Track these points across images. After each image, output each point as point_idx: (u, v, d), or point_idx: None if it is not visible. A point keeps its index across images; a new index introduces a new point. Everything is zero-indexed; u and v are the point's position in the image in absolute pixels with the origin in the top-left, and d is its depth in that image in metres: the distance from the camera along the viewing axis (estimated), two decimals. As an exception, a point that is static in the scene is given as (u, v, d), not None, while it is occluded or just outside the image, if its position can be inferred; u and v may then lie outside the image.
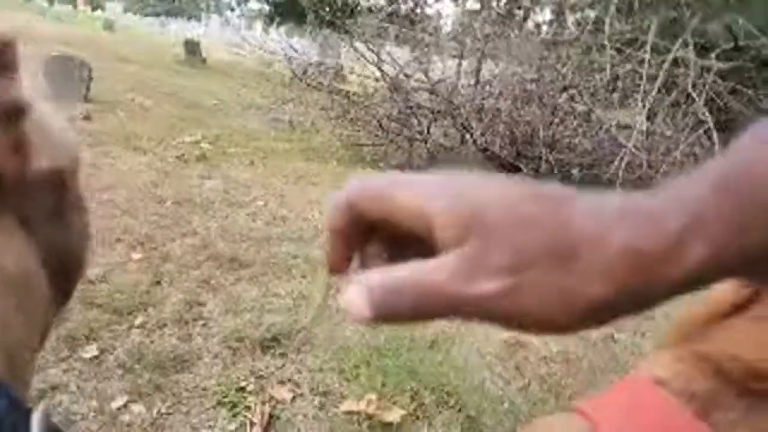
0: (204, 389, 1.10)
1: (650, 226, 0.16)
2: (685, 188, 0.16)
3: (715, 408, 0.24)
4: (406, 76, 3.51)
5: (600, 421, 0.27)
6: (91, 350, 1.16)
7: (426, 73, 3.43)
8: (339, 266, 0.20)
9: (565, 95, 3.12)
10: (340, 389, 1.16)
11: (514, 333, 1.50)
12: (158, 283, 1.48)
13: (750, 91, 3.07)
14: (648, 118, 2.87)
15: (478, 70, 3.57)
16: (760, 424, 0.23)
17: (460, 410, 1.15)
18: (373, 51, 3.60)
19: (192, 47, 7.32)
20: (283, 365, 1.21)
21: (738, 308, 0.34)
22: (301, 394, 1.14)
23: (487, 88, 3.36)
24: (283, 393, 1.13)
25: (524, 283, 0.16)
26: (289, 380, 1.16)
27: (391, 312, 0.16)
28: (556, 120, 3.11)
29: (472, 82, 3.53)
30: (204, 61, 7.27)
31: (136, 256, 1.60)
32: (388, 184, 0.18)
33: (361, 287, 0.17)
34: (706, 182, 0.16)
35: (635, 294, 0.16)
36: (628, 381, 0.27)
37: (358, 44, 3.72)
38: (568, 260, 0.16)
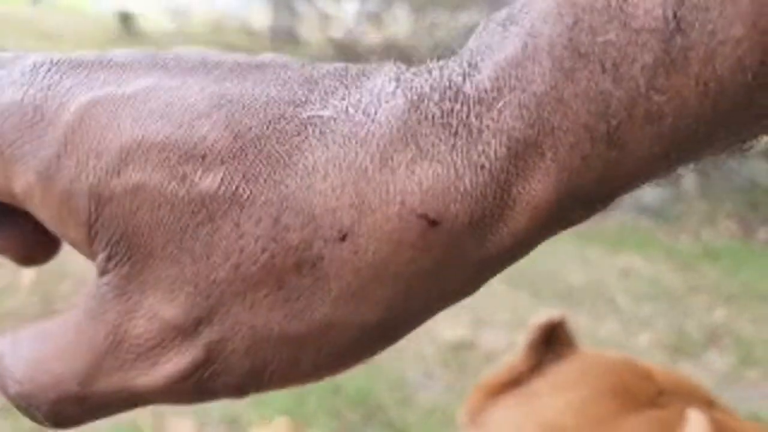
0: (95, 427, 1.07)
1: (455, 162, 0.10)
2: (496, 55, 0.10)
3: None
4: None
5: None
6: (-36, 394, 1.12)
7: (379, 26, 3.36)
8: None
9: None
10: (251, 415, 1.14)
11: (459, 335, 1.50)
12: (52, 305, 1.44)
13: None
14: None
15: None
16: None
17: (388, 426, 1.14)
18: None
19: (126, 19, 7.10)
20: (190, 392, 1.18)
21: (517, 382, 0.39)
22: (207, 424, 1.11)
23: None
24: (186, 426, 1.10)
25: (233, 334, 0.10)
26: (195, 410, 1.14)
27: (34, 419, 0.11)
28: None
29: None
30: (140, 34, 7.06)
31: (27, 275, 1.55)
32: None
33: None
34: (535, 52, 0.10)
35: (430, 298, 0.11)
36: None
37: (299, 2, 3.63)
38: (308, 268, 0.10)
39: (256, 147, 0.10)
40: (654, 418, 0.36)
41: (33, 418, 0.11)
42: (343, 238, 0.10)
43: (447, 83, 0.10)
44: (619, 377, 0.38)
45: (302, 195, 0.10)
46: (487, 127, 0.10)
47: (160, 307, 0.10)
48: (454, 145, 0.10)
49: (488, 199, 0.10)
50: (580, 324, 1.42)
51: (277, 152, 0.10)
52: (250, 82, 0.10)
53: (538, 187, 0.10)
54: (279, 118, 0.10)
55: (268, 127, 0.10)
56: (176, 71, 0.10)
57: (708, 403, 0.38)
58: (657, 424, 0.35)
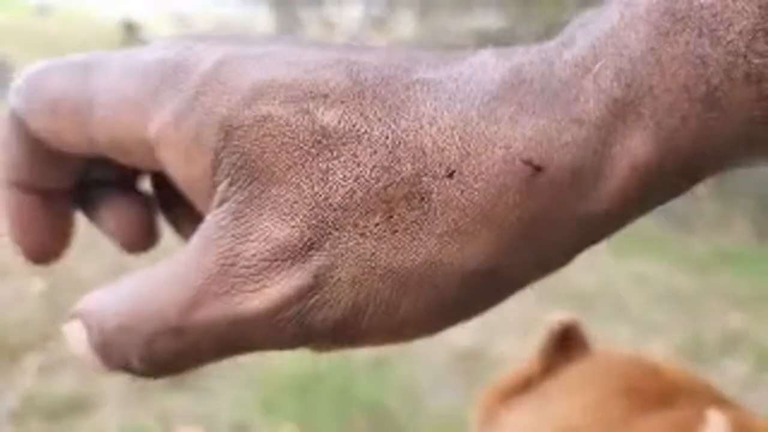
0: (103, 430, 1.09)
1: (556, 117, 0.10)
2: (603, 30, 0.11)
3: None
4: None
5: None
6: (-25, 401, 1.14)
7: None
8: (32, 244, 0.14)
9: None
10: (259, 422, 1.14)
11: (470, 341, 1.50)
12: (61, 314, 1.45)
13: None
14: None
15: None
16: None
17: (398, 434, 1.14)
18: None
19: (130, 27, 7.19)
20: (198, 400, 1.19)
21: (529, 384, 0.40)
22: (216, 431, 1.12)
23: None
24: (195, 433, 1.10)
25: (342, 262, 0.10)
26: (203, 417, 1.14)
27: (128, 365, 0.12)
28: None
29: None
30: (144, 41, 7.13)
31: (38, 285, 1.56)
32: (81, 78, 0.12)
33: (78, 319, 0.12)
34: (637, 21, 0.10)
35: (532, 254, 0.11)
36: None
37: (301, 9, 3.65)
38: (417, 200, 0.10)
39: (372, 93, 0.11)
40: (669, 418, 0.36)
41: (126, 367, 0.12)
42: (451, 176, 0.10)
43: (545, 55, 0.11)
44: (630, 377, 0.38)
45: (413, 134, 0.10)
46: (585, 88, 0.10)
47: (274, 228, 0.10)
48: (553, 103, 0.10)
49: (589, 152, 0.10)
50: (591, 329, 1.42)
51: (391, 100, 0.11)
52: (363, 55, 0.11)
53: (637, 145, 0.10)
54: (391, 77, 0.11)
55: (382, 81, 0.11)
56: (292, 46, 0.12)
57: (719, 401, 0.38)
58: (673, 424, 0.35)
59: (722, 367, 1.48)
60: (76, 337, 0.12)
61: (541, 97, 0.10)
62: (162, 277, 0.11)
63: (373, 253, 0.10)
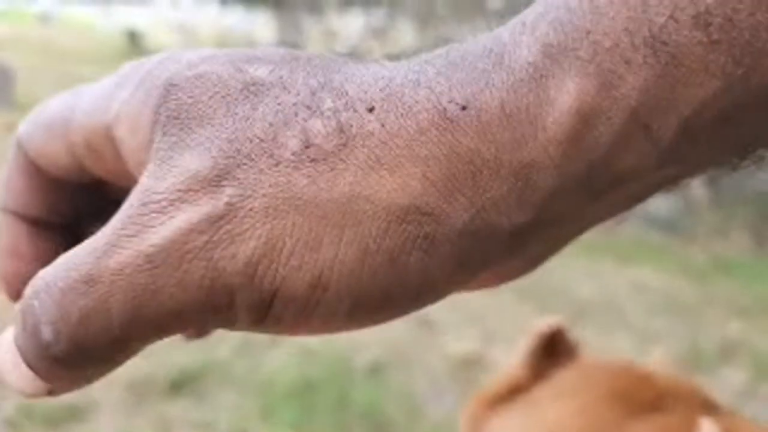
0: (101, 442, 1.08)
1: (487, 67, 0.10)
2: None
3: None
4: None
5: None
6: (-27, 407, 1.13)
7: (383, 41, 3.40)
8: (15, 272, 0.13)
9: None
10: (258, 428, 1.14)
11: (468, 348, 1.49)
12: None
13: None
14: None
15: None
16: None
17: (396, 442, 1.14)
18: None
19: (132, 36, 7.24)
20: (196, 407, 1.18)
21: (517, 390, 0.40)
22: (214, 439, 1.11)
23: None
24: (193, 440, 1.10)
25: (254, 191, 0.10)
26: (201, 423, 1.14)
27: (40, 340, 0.10)
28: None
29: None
30: (146, 50, 7.19)
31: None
32: (72, 99, 0.13)
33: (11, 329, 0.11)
34: None
35: (465, 195, 0.10)
36: None
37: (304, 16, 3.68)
38: (336, 132, 0.10)
39: (306, 60, 0.11)
40: (660, 423, 0.36)
41: (40, 346, 0.11)
42: (371, 111, 0.10)
43: (488, 34, 0.11)
44: (620, 382, 0.38)
45: (339, 82, 0.11)
46: (521, 42, 0.10)
47: (191, 162, 0.10)
48: (486, 57, 0.10)
49: (521, 94, 0.10)
50: (590, 338, 1.42)
51: (323, 65, 0.11)
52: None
53: (577, 88, 0.09)
54: (329, 57, 0.12)
55: (318, 56, 0.12)
56: None
57: (709, 407, 0.38)
58: (664, 429, 0.35)
59: (721, 376, 1.48)
60: (4, 346, 0.11)
61: (472, 54, 0.10)
62: (94, 237, 0.11)
63: (289, 182, 0.10)
